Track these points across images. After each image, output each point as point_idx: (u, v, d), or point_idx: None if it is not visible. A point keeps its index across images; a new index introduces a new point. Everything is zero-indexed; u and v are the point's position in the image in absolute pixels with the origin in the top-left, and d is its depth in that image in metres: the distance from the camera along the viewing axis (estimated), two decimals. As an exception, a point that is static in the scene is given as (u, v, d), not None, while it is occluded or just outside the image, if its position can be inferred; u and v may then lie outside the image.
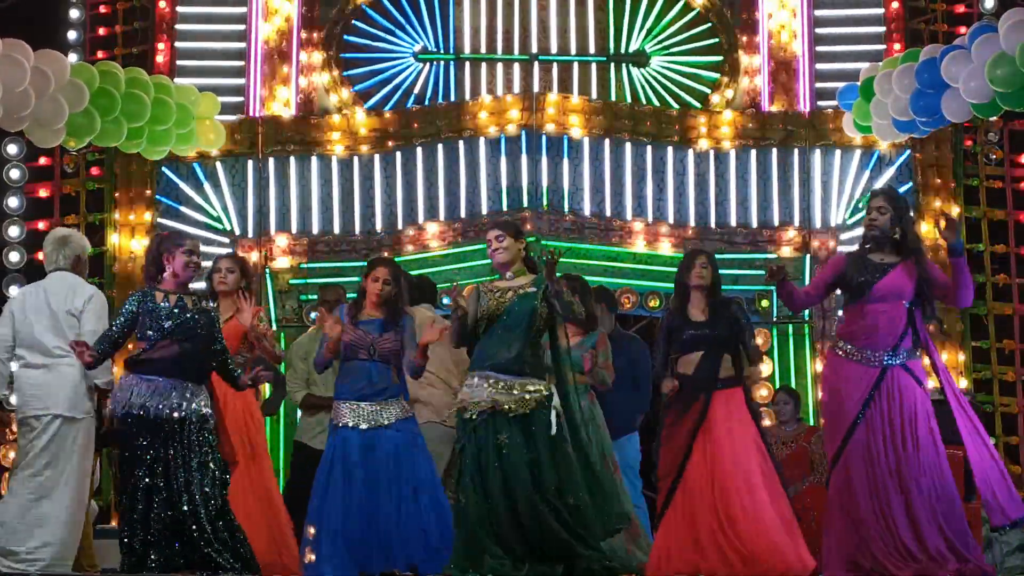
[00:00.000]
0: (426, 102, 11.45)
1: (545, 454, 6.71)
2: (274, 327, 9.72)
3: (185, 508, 6.72)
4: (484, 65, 11.66)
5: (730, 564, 6.98)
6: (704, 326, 7.41)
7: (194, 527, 6.71)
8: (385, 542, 7.16)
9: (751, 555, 6.99)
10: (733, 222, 11.15)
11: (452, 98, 11.46)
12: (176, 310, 6.89)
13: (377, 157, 11.12)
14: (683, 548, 7.14)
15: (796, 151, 11.22)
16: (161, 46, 11.39)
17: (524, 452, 6.69)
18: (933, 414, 6.94)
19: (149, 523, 6.72)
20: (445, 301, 10.44)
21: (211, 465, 6.85)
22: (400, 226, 11.03)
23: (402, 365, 7.40)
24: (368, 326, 7.39)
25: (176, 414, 6.79)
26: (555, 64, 11.66)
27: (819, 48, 11.60)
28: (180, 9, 11.51)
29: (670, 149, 11.14)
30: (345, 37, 11.70)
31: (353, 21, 11.72)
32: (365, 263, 10.77)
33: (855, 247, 7.36)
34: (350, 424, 7.34)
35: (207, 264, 7.97)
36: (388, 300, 7.45)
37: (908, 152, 11.22)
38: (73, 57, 10.71)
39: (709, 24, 11.78)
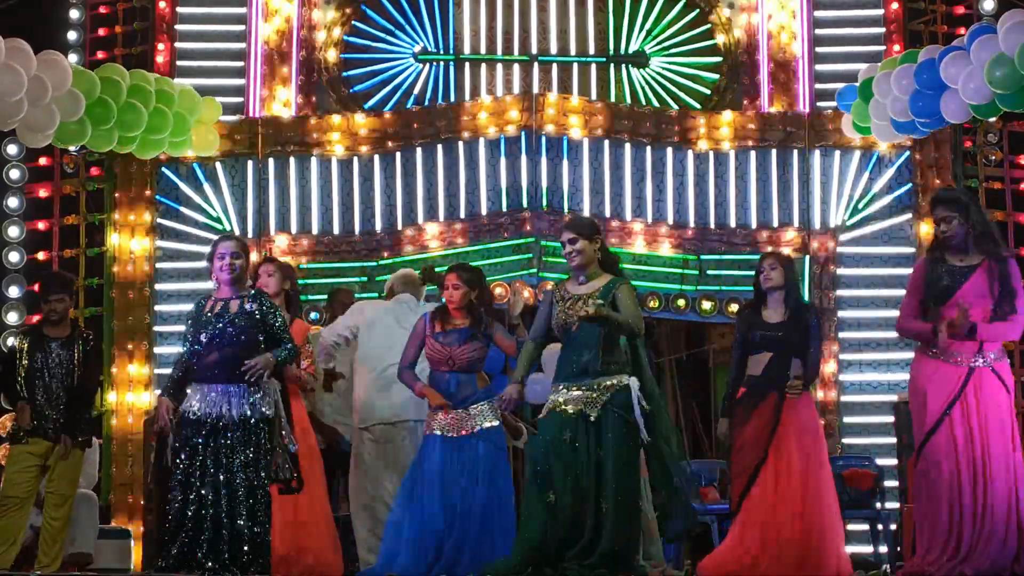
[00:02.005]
0: (426, 103, 11.45)
1: (611, 457, 6.69)
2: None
3: (220, 512, 6.77)
4: (484, 66, 11.67)
5: (786, 563, 7.05)
6: (776, 328, 7.43)
7: (223, 531, 6.74)
8: (459, 547, 7.21)
9: (805, 557, 7.09)
10: (732, 223, 11.15)
11: (452, 99, 11.46)
12: (215, 319, 6.95)
13: (377, 158, 11.12)
14: (763, 556, 7.19)
15: (795, 152, 11.21)
16: (161, 46, 11.39)
17: (591, 454, 6.70)
18: (1014, 420, 6.89)
19: (184, 523, 6.77)
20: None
21: (253, 467, 6.87)
22: (400, 226, 11.03)
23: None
24: (450, 336, 7.42)
25: (218, 418, 6.85)
26: (555, 65, 11.67)
27: (818, 49, 11.59)
28: (180, 9, 11.50)
29: (669, 150, 11.13)
30: (345, 37, 11.71)
31: (353, 21, 11.73)
32: (366, 264, 10.93)
33: (929, 251, 7.19)
34: (436, 431, 7.40)
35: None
36: (469, 306, 7.46)
37: (907, 153, 11.22)
38: (73, 58, 10.72)
39: (709, 25, 11.79)
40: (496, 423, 7.45)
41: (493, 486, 7.33)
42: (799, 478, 7.26)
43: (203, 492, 6.79)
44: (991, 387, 6.78)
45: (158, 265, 11.07)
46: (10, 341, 10.60)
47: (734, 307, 10.80)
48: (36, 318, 10.37)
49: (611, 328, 6.75)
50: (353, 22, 11.72)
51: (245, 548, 6.76)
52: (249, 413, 6.89)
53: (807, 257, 11.08)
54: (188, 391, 7.00)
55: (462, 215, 10.91)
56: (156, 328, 10.95)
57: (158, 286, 11.05)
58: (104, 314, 11.01)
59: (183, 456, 6.86)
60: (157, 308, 10.99)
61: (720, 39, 11.74)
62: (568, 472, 6.69)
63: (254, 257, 10.73)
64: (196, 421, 6.88)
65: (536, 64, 11.62)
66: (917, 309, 6.96)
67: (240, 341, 6.96)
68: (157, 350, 10.90)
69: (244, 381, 6.91)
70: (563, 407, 6.77)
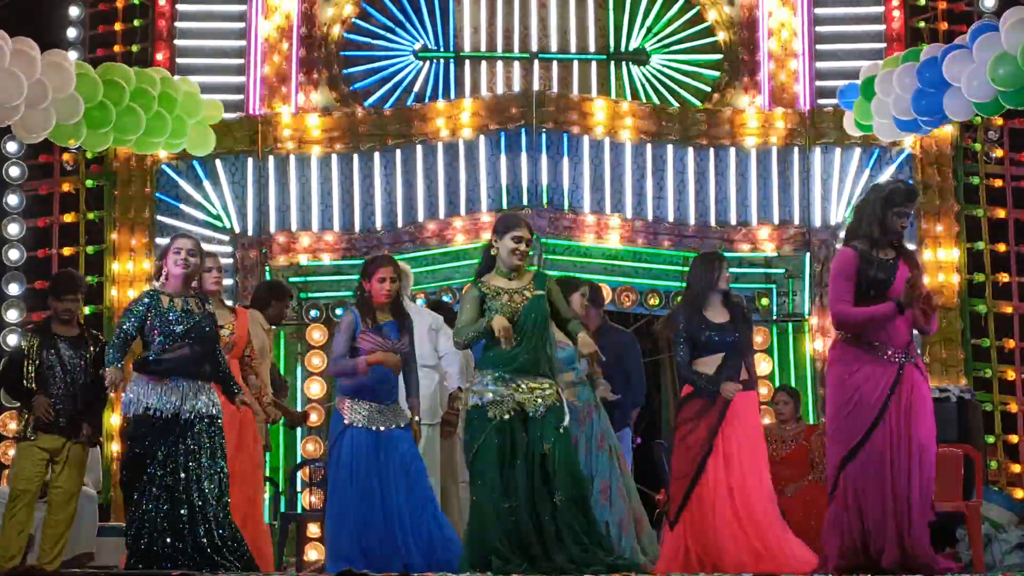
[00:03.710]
0: (426, 100, 11.44)
1: (561, 453, 6.72)
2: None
3: (196, 505, 6.78)
4: (484, 63, 11.65)
5: (742, 561, 7.01)
6: (723, 328, 7.41)
7: (202, 525, 6.75)
8: (393, 541, 7.16)
9: (765, 552, 7.03)
10: (733, 220, 11.16)
11: (452, 96, 11.45)
12: (184, 314, 6.96)
13: (377, 155, 11.11)
14: (698, 546, 7.17)
15: (796, 149, 11.22)
16: (161, 44, 11.37)
17: (544, 451, 6.71)
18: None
19: (156, 521, 6.77)
20: (445, 299, 10.46)
21: (218, 463, 6.92)
22: (400, 224, 11.02)
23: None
24: (384, 329, 7.31)
25: (187, 414, 6.86)
26: (555, 62, 11.65)
27: (819, 46, 11.59)
28: (180, 7, 11.49)
29: (670, 147, 11.13)
30: (345, 35, 11.69)
31: (353, 19, 11.71)
32: (364, 261, 10.89)
33: (851, 244, 7.03)
34: (365, 426, 7.29)
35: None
36: (395, 299, 7.38)
37: (908, 151, 11.22)
38: (73, 55, 10.68)
39: (709, 22, 11.78)
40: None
41: (423, 481, 7.31)
42: (738, 476, 7.25)
43: (175, 490, 6.80)
44: (919, 383, 6.78)
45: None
46: (11, 339, 10.60)
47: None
48: (36, 316, 10.39)
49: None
50: (353, 20, 11.71)
51: (230, 542, 6.78)
52: (213, 410, 6.95)
53: (807, 254, 11.09)
54: (142, 386, 6.91)
55: (462, 213, 10.90)
56: (156, 326, 10.92)
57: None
58: (104, 312, 11.00)
59: (154, 455, 6.84)
60: (157, 306, 10.96)
61: (721, 36, 11.73)
62: (524, 472, 6.70)
63: (253, 254, 10.80)
64: (162, 419, 6.85)
65: (536, 61, 11.60)
66: (853, 295, 6.76)
67: (208, 340, 7.03)
68: (157, 347, 10.87)
69: (204, 378, 6.96)
70: (518, 405, 6.74)
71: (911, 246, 6.94)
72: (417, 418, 7.45)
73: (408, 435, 7.34)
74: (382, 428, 7.28)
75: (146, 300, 7.01)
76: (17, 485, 8.20)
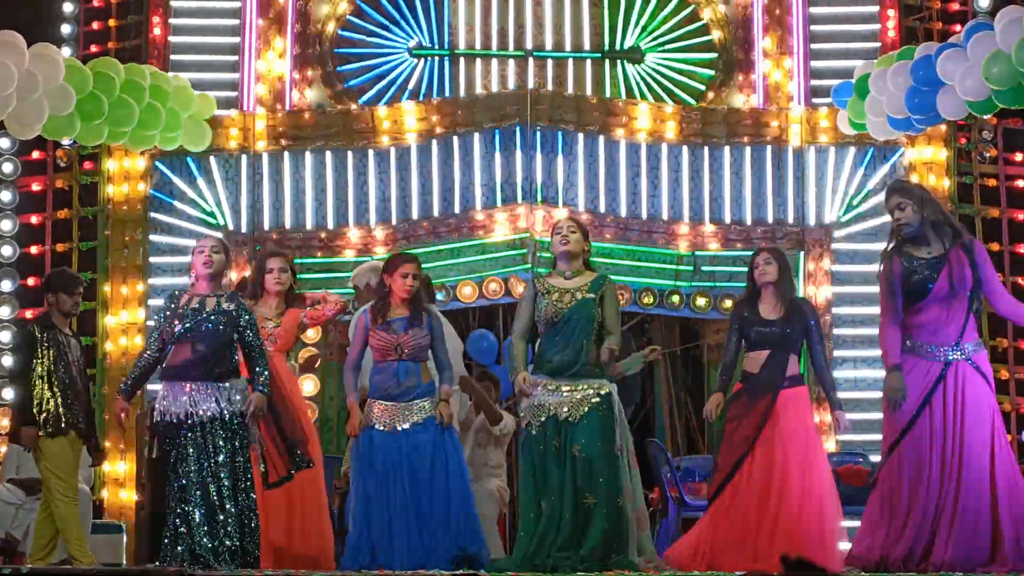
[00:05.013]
0: (420, 98, 11.43)
1: (594, 457, 6.81)
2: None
3: (211, 505, 6.79)
4: (479, 61, 11.64)
5: (737, 561, 6.99)
6: (774, 324, 7.37)
7: (206, 522, 6.77)
8: (414, 538, 7.17)
9: (763, 551, 7.01)
10: (728, 219, 11.16)
11: (447, 94, 11.45)
12: (191, 312, 6.93)
13: (371, 152, 11.11)
14: (723, 544, 7.14)
15: (790, 148, 11.22)
16: (155, 40, 11.36)
17: (569, 452, 6.80)
18: (998, 411, 6.85)
19: (172, 520, 6.83)
20: (439, 296, 10.46)
21: (232, 462, 6.88)
22: (394, 221, 11.02)
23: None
24: (394, 325, 7.33)
25: (193, 416, 6.84)
26: (550, 60, 11.65)
27: (814, 45, 11.59)
28: (174, 4, 11.48)
29: (665, 146, 11.14)
30: (340, 32, 11.69)
31: (347, 16, 11.71)
32: (360, 260, 10.89)
33: (889, 246, 7.02)
34: (376, 425, 7.31)
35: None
36: (415, 297, 7.40)
37: (902, 149, 11.23)
38: (66, 51, 10.67)
39: (704, 21, 11.78)
40: (433, 415, 7.33)
41: (441, 473, 7.26)
42: (779, 477, 7.21)
43: (190, 489, 6.82)
44: (972, 380, 6.76)
45: (151, 259, 11.04)
46: (4, 336, 10.59)
47: (728, 303, 10.80)
48: (30, 312, 10.38)
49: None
50: (347, 17, 11.70)
51: (227, 543, 6.78)
52: (223, 410, 6.90)
53: (802, 253, 11.09)
54: (159, 388, 6.98)
55: (456, 210, 10.91)
56: (150, 323, 10.92)
57: (151, 280, 11.02)
58: (97, 309, 10.98)
59: (170, 457, 6.90)
60: (151, 303, 10.97)
61: (715, 35, 11.73)
62: (557, 475, 6.82)
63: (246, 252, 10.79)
64: (173, 422, 6.88)
65: (531, 59, 11.60)
66: (900, 311, 6.83)
67: (214, 339, 6.94)
68: (150, 344, 10.87)
69: (216, 379, 6.91)
70: (553, 409, 6.84)
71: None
72: (437, 400, 7.36)
73: (429, 433, 7.27)
74: (399, 428, 7.29)
75: (165, 305, 7.05)
76: (71, 483, 8.09)
